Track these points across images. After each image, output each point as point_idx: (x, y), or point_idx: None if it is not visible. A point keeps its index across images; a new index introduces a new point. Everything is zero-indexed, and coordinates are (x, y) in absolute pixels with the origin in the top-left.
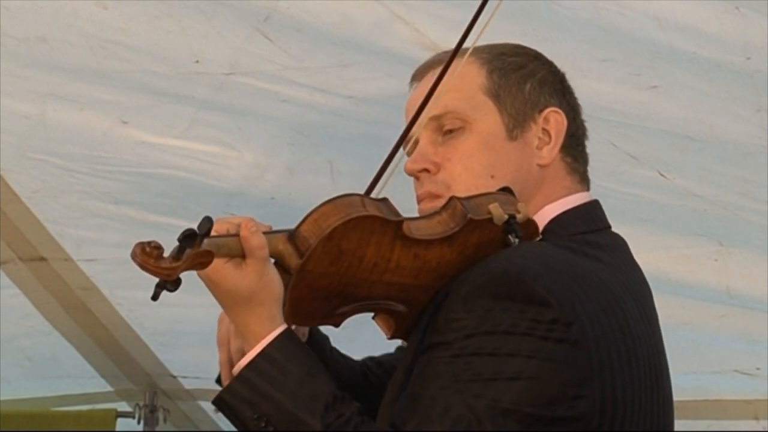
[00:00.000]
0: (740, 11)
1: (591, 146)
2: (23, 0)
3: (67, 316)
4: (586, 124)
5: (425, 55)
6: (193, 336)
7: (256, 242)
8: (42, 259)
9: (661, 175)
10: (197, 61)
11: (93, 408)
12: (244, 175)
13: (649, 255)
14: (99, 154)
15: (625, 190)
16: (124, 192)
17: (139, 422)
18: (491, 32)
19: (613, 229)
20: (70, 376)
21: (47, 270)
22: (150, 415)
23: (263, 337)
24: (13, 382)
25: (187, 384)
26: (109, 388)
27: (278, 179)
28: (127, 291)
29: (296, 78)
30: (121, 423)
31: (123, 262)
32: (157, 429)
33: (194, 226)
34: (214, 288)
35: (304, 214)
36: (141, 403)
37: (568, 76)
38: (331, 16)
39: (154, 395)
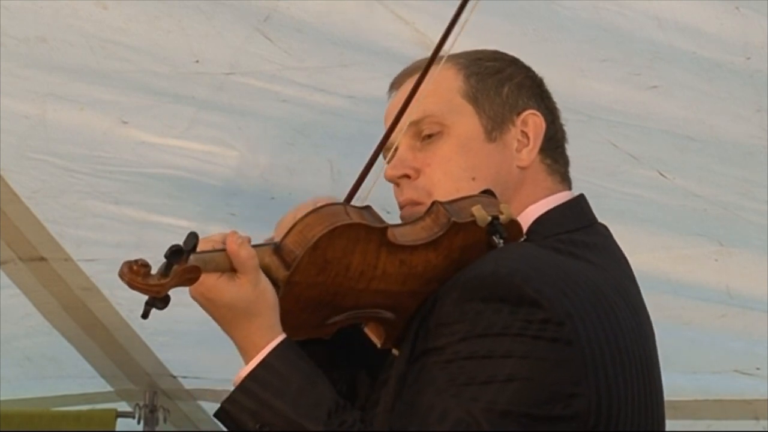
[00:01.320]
0: (740, 11)
1: (591, 146)
2: (23, 0)
3: (67, 316)
4: (586, 124)
5: (425, 55)
6: (193, 336)
7: (245, 253)
8: (42, 259)
9: (661, 175)
10: (197, 61)
11: (93, 408)
12: (244, 175)
13: (649, 255)
14: (99, 154)
15: (625, 190)
16: (124, 192)
17: (139, 422)
18: (492, 33)
19: (614, 229)
20: (70, 376)
21: (47, 270)
22: (150, 415)
23: (263, 347)
24: (13, 382)
25: (187, 384)
26: (109, 388)
27: (278, 179)
28: (127, 291)
29: (296, 78)
30: (121, 423)
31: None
32: (157, 429)
33: (193, 228)
34: (211, 305)
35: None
36: (141, 403)
37: (568, 76)
38: (331, 16)
39: (154, 395)
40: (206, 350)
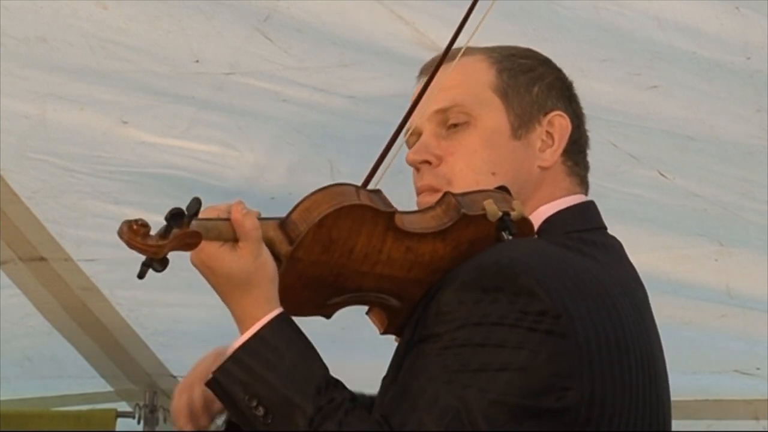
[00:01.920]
0: (740, 11)
1: (591, 146)
2: (23, 0)
3: (67, 316)
4: (586, 124)
5: (425, 55)
6: (193, 336)
7: (250, 224)
8: (42, 259)
9: (661, 175)
10: (197, 61)
11: (93, 408)
12: (245, 175)
13: (649, 255)
14: (99, 154)
15: (625, 190)
16: (124, 192)
17: (139, 422)
18: (491, 33)
19: (614, 229)
20: (70, 376)
21: (47, 270)
22: (150, 415)
23: (258, 319)
24: (13, 382)
25: None
26: (109, 388)
27: (278, 179)
28: (127, 291)
29: (296, 78)
30: (121, 423)
31: (123, 262)
32: (157, 429)
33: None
34: (210, 273)
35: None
36: (141, 403)
37: (567, 76)
38: (331, 16)
39: (154, 395)
40: (206, 350)
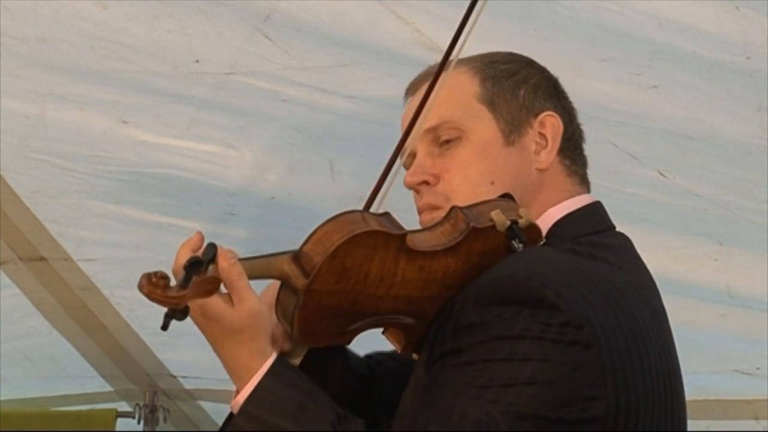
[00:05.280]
0: (740, 11)
1: (591, 146)
2: (23, 0)
3: (67, 316)
4: (586, 124)
5: (425, 55)
6: (193, 336)
7: (236, 272)
8: (42, 259)
9: (661, 174)
10: (197, 61)
11: (93, 408)
12: (245, 174)
13: (649, 255)
14: (99, 154)
15: (625, 190)
16: (124, 192)
17: (139, 422)
18: (491, 33)
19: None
20: (70, 376)
21: (47, 270)
22: (150, 415)
23: (257, 370)
24: (13, 382)
25: (187, 384)
26: (109, 388)
27: (278, 179)
28: (127, 291)
29: (296, 78)
30: (121, 423)
31: (123, 262)
32: (157, 429)
33: (194, 226)
34: (206, 322)
35: (305, 216)
36: (141, 403)
37: (568, 76)
38: (331, 16)
39: (154, 395)
40: (206, 350)
